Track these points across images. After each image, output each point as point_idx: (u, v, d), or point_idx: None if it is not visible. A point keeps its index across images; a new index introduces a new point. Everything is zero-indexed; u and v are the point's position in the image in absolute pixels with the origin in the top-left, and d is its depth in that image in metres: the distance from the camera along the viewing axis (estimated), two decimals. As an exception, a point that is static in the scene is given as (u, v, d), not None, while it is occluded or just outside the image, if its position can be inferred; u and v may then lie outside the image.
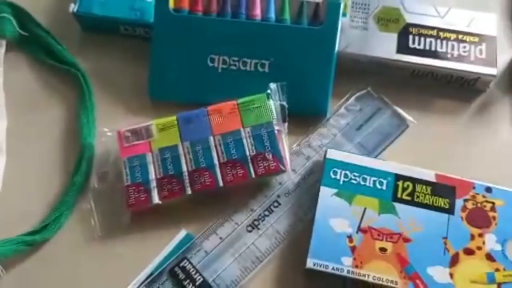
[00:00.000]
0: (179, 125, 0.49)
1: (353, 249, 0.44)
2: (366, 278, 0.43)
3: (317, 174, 0.49)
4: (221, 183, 0.47)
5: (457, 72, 0.52)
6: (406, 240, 0.45)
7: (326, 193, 0.46)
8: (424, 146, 0.51)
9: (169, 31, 0.52)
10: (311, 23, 0.52)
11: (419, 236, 0.45)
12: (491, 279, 0.43)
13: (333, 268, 0.44)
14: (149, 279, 0.46)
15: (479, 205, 0.46)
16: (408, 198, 0.46)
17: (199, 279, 0.45)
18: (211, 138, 0.48)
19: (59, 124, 0.53)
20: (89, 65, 0.55)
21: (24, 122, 0.53)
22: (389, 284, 0.43)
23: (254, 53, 0.51)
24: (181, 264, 0.46)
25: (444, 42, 0.53)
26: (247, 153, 0.47)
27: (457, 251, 0.44)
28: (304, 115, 0.51)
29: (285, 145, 0.49)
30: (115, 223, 0.48)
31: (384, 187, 0.47)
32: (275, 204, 0.48)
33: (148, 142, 0.49)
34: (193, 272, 0.46)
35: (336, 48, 0.51)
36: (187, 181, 0.47)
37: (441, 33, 0.53)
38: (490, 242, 0.45)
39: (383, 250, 0.44)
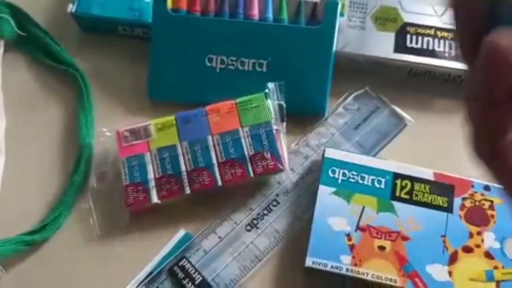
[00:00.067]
0: (178, 125, 0.49)
1: (352, 247, 0.45)
2: (365, 277, 0.43)
3: (316, 173, 0.49)
4: (219, 183, 0.47)
5: (454, 71, 0.52)
6: (405, 238, 0.45)
7: (324, 192, 0.47)
8: (422, 145, 0.52)
9: (167, 31, 0.52)
10: (309, 22, 0.52)
11: (418, 234, 0.45)
12: (489, 277, 0.44)
13: (332, 267, 0.44)
14: (148, 279, 0.46)
15: (477, 203, 0.46)
16: (407, 196, 0.46)
17: (198, 278, 0.45)
18: (210, 138, 0.48)
19: (58, 124, 0.53)
20: (88, 65, 0.55)
21: (22, 122, 0.53)
22: (388, 282, 0.43)
23: (252, 53, 0.51)
24: (180, 263, 0.46)
25: (442, 41, 0.53)
26: (246, 152, 0.48)
27: (456, 249, 0.44)
28: (302, 114, 0.51)
29: (284, 144, 0.49)
30: (114, 222, 0.48)
31: (382, 186, 0.47)
32: (274, 203, 0.48)
33: (146, 142, 0.49)
34: (192, 271, 0.46)
35: (334, 48, 0.51)
36: (185, 180, 0.47)
37: (438, 32, 0.53)
38: (489, 240, 0.45)
39: (381, 248, 0.44)
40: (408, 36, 0.53)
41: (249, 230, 0.47)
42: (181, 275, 0.46)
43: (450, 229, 0.45)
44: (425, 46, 0.53)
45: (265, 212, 0.48)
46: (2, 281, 0.47)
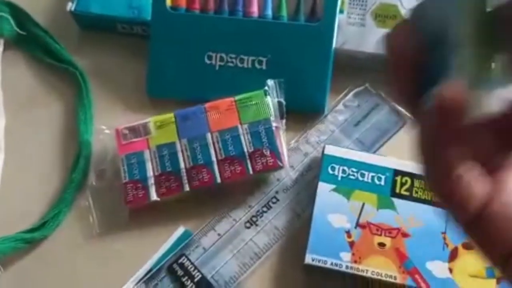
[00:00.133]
0: (177, 122, 0.49)
1: (351, 244, 0.44)
2: (365, 273, 0.43)
3: (315, 170, 0.49)
4: (219, 180, 0.47)
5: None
6: (405, 235, 0.44)
7: (324, 189, 0.46)
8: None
9: (166, 29, 0.52)
10: (308, 20, 0.52)
11: (418, 231, 0.45)
12: (490, 273, 0.43)
13: (331, 264, 0.44)
14: (147, 276, 0.46)
15: (477, 200, 0.46)
16: (407, 193, 0.46)
17: (198, 275, 0.45)
18: (209, 135, 0.48)
19: (57, 122, 0.53)
20: (87, 63, 0.55)
21: (22, 120, 0.53)
22: (388, 279, 0.43)
23: (251, 50, 0.51)
24: (180, 261, 0.46)
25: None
26: (245, 149, 0.47)
27: (456, 246, 0.44)
28: (302, 111, 0.51)
29: (283, 141, 0.49)
30: (114, 220, 0.48)
31: (382, 183, 0.47)
32: (273, 200, 0.48)
33: (146, 139, 0.49)
34: (192, 269, 0.46)
35: (334, 45, 0.51)
36: (185, 178, 0.47)
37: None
38: (489, 236, 0.44)
39: (381, 245, 0.44)
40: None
41: (248, 227, 0.47)
42: (180, 272, 0.45)
43: (450, 225, 0.45)
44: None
45: (265, 209, 0.48)
46: (1, 279, 0.47)
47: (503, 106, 0.22)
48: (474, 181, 0.23)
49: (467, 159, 0.23)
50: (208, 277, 0.45)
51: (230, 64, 0.52)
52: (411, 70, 0.24)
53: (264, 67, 0.51)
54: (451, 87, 0.21)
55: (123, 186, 0.47)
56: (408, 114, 0.52)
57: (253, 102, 0.49)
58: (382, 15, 0.54)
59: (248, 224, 0.47)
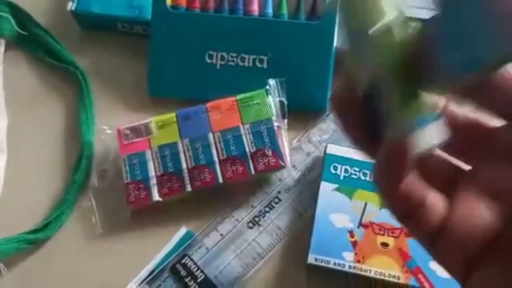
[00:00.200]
0: (178, 122, 0.49)
1: (354, 244, 0.44)
2: (367, 273, 0.43)
3: (317, 170, 0.48)
4: (221, 180, 0.47)
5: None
6: (408, 234, 0.44)
7: (326, 189, 0.46)
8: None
9: (167, 28, 0.52)
10: (309, 18, 0.52)
11: (421, 230, 0.44)
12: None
13: (334, 264, 0.44)
14: (150, 276, 0.46)
15: (481, 198, 0.46)
16: (409, 192, 0.46)
17: (201, 276, 0.45)
18: (211, 135, 0.48)
19: (59, 122, 0.53)
20: (88, 63, 0.55)
21: (24, 121, 0.53)
22: (391, 279, 0.43)
23: (252, 49, 0.51)
24: (183, 261, 0.46)
25: (444, 35, 0.52)
26: (247, 149, 0.47)
27: (459, 245, 0.44)
28: (304, 110, 0.51)
29: (285, 141, 0.48)
30: (116, 220, 0.48)
31: (385, 182, 0.46)
32: (276, 200, 0.48)
33: (147, 139, 0.48)
34: (195, 269, 0.46)
35: (335, 43, 0.51)
36: (187, 178, 0.47)
37: (441, 26, 0.53)
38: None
39: (384, 245, 0.44)
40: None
41: (251, 228, 0.47)
42: (183, 272, 0.45)
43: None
44: (427, 40, 0.52)
45: (267, 209, 0.48)
46: (4, 279, 0.47)
47: (443, 136, 0.23)
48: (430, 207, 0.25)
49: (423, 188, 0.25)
50: (211, 277, 0.45)
51: (231, 63, 0.51)
52: (359, 125, 0.26)
53: (265, 65, 0.51)
54: (388, 141, 0.24)
55: (125, 186, 0.47)
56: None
57: (255, 102, 0.49)
58: (384, 12, 0.53)
59: (250, 224, 0.47)
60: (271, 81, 0.49)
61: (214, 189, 0.47)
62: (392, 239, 0.44)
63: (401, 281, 0.43)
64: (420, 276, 0.43)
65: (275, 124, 0.48)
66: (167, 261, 0.46)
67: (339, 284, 0.45)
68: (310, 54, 0.50)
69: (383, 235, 0.44)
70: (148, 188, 0.47)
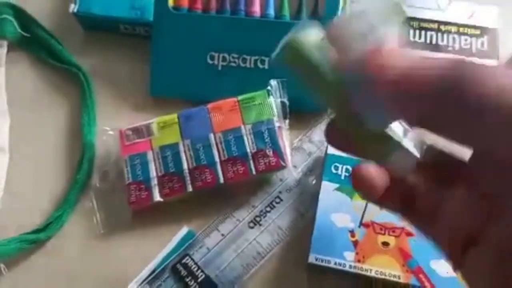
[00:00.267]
0: (180, 123, 0.49)
1: (355, 243, 0.44)
2: (368, 273, 0.43)
3: (319, 170, 0.48)
4: (222, 180, 0.47)
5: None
6: (409, 234, 0.44)
7: (327, 188, 0.46)
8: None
9: (168, 29, 0.52)
10: (310, 19, 0.52)
11: (422, 230, 0.44)
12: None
13: (335, 263, 0.44)
14: (151, 276, 0.46)
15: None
16: (410, 192, 0.46)
17: (201, 275, 0.45)
18: (212, 136, 0.48)
19: (62, 123, 0.53)
20: (91, 64, 0.55)
21: (26, 121, 0.53)
22: (392, 278, 0.43)
23: (253, 50, 0.51)
24: (183, 261, 0.46)
25: (445, 35, 0.52)
26: (248, 150, 0.47)
27: (460, 245, 0.44)
28: (305, 111, 0.51)
29: (286, 141, 0.48)
30: (117, 221, 0.48)
31: (386, 182, 0.46)
32: (277, 200, 0.48)
33: (149, 140, 0.49)
34: (195, 269, 0.46)
35: (336, 44, 0.51)
36: (188, 178, 0.47)
37: (442, 27, 0.53)
38: (494, 235, 0.44)
39: (385, 244, 0.44)
40: (411, 31, 0.53)
41: (252, 227, 0.47)
42: (184, 272, 0.46)
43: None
44: (428, 41, 0.52)
45: (268, 209, 0.48)
46: (5, 279, 0.47)
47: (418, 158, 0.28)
48: None
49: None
50: (212, 277, 0.45)
51: (233, 64, 0.52)
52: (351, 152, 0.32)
53: (266, 66, 0.51)
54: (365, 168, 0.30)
55: (126, 187, 0.47)
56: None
57: (256, 102, 0.49)
58: (385, 13, 0.53)
59: (251, 224, 0.47)
60: (273, 82, 0.49)
61: (215, 189, 0.47)
62: (393, 238, 0.44)
63: (402, 280, 0.43)
64: (421, 275, 0.43)
65: (277, 124, 0.48)
66: (168, 261, 0.46)
67: (340, 284, 0.45)
68: (311, 55, 0.50)
69: (384, 234, 0.44)
70: (149, 189, 0.47)
